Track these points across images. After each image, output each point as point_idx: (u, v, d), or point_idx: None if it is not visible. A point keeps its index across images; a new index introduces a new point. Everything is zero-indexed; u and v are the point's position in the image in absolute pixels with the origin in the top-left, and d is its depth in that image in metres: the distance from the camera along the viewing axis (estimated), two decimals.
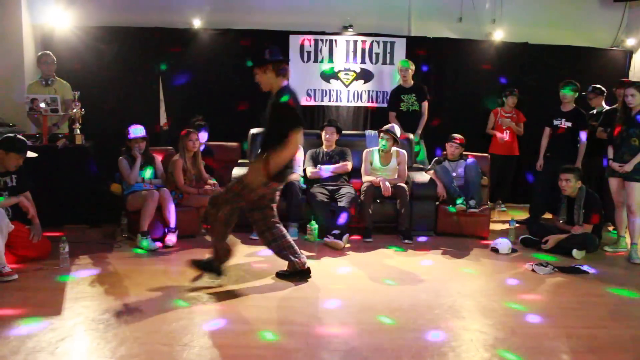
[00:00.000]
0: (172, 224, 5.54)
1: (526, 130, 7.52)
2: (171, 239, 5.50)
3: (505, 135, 7.51)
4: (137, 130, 5.79)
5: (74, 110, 6.07)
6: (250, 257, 5.19)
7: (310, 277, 4.51)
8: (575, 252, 5.46)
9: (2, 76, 7.01)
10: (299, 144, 4.14)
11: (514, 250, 5.64)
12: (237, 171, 6.21)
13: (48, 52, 6.65)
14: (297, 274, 4.49)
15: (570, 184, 5.68)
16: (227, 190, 4.27)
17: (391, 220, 6.15)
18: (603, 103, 6.84)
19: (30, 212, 4.80)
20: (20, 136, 4.77)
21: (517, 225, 6.21)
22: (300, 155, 6.28)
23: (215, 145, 6.84)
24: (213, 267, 4.34)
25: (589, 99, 6.89)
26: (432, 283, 4.61)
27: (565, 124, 6.47)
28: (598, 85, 6.87)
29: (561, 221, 5.87)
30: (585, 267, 5.10)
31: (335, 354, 3.31)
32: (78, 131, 6.10)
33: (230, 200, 4.21)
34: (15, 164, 4.69)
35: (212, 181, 6.07)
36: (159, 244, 5.42)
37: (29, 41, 7.19)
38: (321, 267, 4.89)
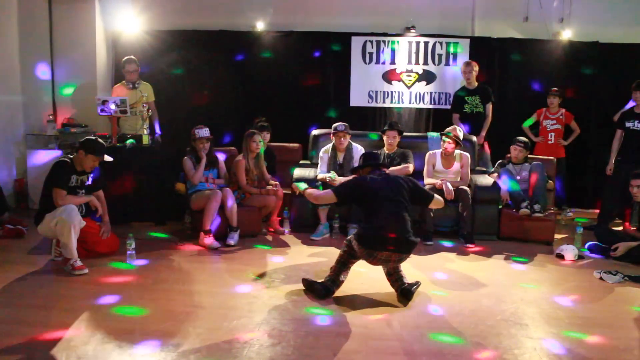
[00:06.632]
0: (234, 223, 5.65)
1: (596, 132, 7.26)
2: (233, 237, 5.61)
3: (550, 139, 7.27)
4: (202, 131, 5.93)
5: (141, 111, 6.28)
6: (311, 257, 5.24)
7: None
8: None
9: (77, 79, 7.34)
10: None
11: (580, 257, 5.45)
12: (298, 172, 6.26)
13: (131, 58, 6.83)
14: None
15: None
16: None
17: (453, 224, 6.07)
18: None
19: (100, 210, 4.99)
20: (100, 140, 4.94)
21: (584, 231, 5.99)
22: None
23: (277, 146, 6.93)
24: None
25: None
26: (494, 289, 4.51)
27: (638, 126, 6.25)
28: None
29: (633, 228, 5.63)
30: None
31: (392, 357, 3.28)
32: (145, 132, 6.31)
33: None
34: (92, 166, 4.84)
35: (274, 182, 6.15)
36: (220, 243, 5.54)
37: (102, 46, 7.48)
38: (381, 270, 4.85)
